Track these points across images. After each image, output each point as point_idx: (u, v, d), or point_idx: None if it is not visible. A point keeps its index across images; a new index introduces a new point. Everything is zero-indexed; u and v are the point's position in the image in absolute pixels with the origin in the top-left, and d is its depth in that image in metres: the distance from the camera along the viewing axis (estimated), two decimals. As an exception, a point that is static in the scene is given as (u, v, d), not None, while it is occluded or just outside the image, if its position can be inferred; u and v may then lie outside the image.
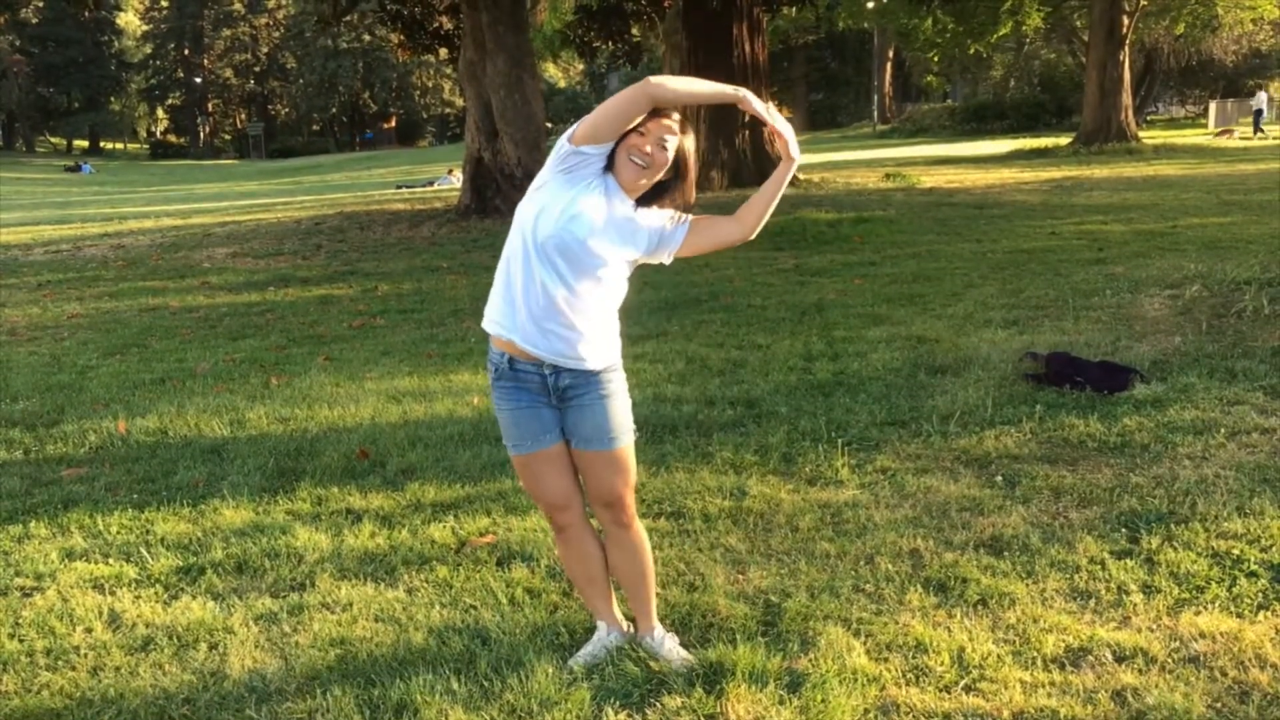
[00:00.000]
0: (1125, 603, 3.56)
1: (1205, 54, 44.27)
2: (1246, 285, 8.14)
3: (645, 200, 3.03)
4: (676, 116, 2.97)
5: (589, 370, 3.05)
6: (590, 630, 3.46)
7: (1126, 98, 32.80)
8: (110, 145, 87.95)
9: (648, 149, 2.92)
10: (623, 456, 3.16)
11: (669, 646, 3.32)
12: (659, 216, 3.06)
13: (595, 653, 3.33)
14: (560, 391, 3.07)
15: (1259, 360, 6.32)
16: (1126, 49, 32.57)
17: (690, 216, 3.11)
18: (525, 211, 2.98)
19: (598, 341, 3.04)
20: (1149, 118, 49.33)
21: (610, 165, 2.98)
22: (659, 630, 3.37)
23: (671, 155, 2.95)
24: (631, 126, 2.90)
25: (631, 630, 3.42)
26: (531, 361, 3.04)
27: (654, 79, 2.85)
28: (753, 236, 3.08)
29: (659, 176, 2.97)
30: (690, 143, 3.00)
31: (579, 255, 2.92)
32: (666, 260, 3.14)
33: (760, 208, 3.06)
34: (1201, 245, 11.34)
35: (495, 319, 3.08)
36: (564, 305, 2.95)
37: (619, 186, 2.98)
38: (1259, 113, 38.11)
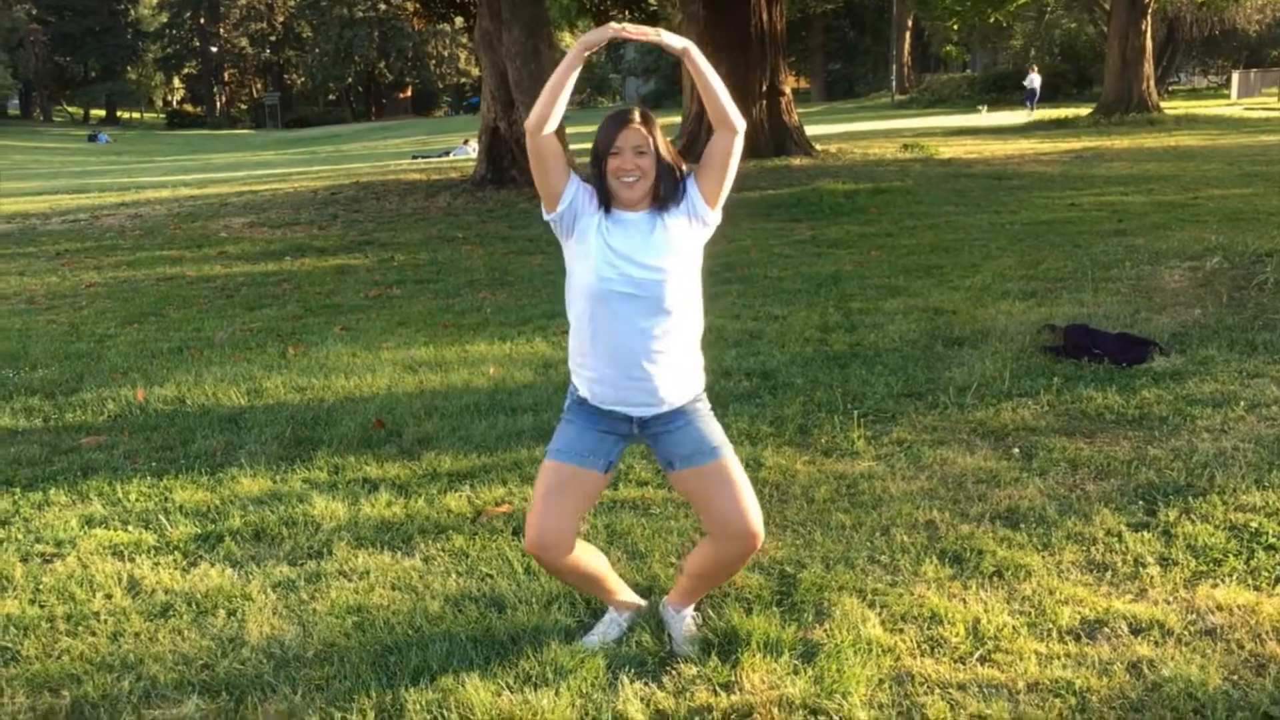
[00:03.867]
0: (1142, 575, 3.55)
1: (1228, 23, 43.73)
2: (1267, 257, 8.08)
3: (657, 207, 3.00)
4: (636, 116, 2.95)
5: (675, 410, 3.03)
6: (604, 603, 3.47)
7: (1148, 68, 32.43)
8: (127, 115, 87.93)
9: (630, 165, 2.91)
10: (731, 467, 3.01)
11: (687, 624, 3.30)
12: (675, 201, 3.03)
13: (608, 630, 3.32)
14: (644, 425, 3.04)
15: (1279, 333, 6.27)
16: (1149, 18, 32.16)
17: (689, 171, 3.06)
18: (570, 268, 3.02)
19: (682, 379, 3.02)
20: (1170, 88, 48.80)
21: (607, 201, 2.97)
22: (690, 609, 3.34)
23: (653, 153, 2.92)
24: (607, 151, 2.91)
25: (643, 605, 3.41)
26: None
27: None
28: (740, 125, 2.96)
29: (653, 178, 2.94)
30: (658, 132, 2.95)
31: (643, 288, 2.90)
32: (712, 216, 3.03)
33: (712, 105, 2.95)
34: (1223, 217, 11.24)
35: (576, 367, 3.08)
36: (644, 350, 2.93)
37: (625, 210, 2.96)
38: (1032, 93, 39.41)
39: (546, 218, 3.02)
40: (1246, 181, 14.79)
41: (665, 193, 2.96)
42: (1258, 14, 42.84)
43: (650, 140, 2.92)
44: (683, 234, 2.98)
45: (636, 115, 2.95)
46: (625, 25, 2.88)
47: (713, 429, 3.07)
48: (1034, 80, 41.16)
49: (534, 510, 3.04)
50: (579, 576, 3.20)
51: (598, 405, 3.04)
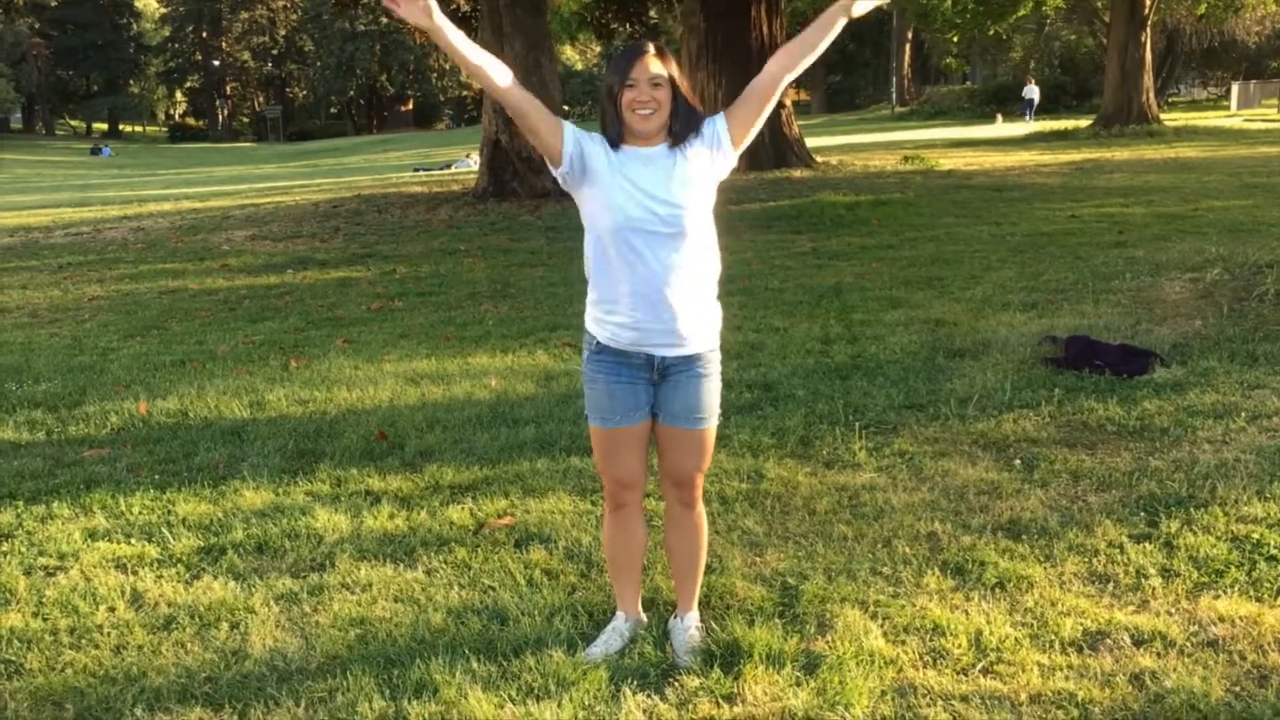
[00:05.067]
0: (1144, 586, 3.56)
1: (1228, 35, 43.78)
2: (1268, 268, 8.08)
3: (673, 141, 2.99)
4: (650, 47, 2.94)
5: (694, 354, 3.07)
6: (607, 614, 3.48)
7: (1148, 79, 32.49)
8: (129, 128, 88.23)
9: (645, 97, 2.90)
10: (705, 438, 3.17)
11: (690, 634, 3.31)
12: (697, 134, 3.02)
13: (610, 641, 3.32)
14: (664, 369, 3.07)
15: (1280, 344, 6.28)
16: (1148, 30, 32.23)
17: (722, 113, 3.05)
18: (587, 212, 3.02)
19: (703, 321, 3.06)
20: (1170, 99, 48.87)
21: (620, 136, 2.96)
22: (692, 616, 3.38)
23: (664, 88, 2.92)
24: (622, 83, 2.90)
25: (646, 621, 3.43)
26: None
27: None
28: (791, 76, 2.98)
29: (668, 111, 2.94)
30: (674, 65, 2.96)
31: (668, 222, 2.92)
32: (734, 154, 3.02)
33: (807, 45, 2.96)
34: (1223, 228, 11.25)
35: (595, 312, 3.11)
36: (671, 284, 2.96)
37: (639, 144, 2.96)
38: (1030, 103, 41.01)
39: (556, 173, 3.00)
40: (1247, 193, 14.81)
41: (680, 128, 2.96)
42: (1257, 26, 42.90)
43: (666, 72, 2.92)
44: (703, 168, 2.97)
45: (651, 47, 2.94)
46: None
47: (709, 395, 3.13)
48: (1032, 91, 42.13)
49: (605, 466, 3.22)
50: (629, 550, 3.32)
51: (620, 349, 3.05)
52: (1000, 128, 36.95)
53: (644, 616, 3.43)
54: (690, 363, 3.07)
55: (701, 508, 3.32)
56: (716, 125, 3.00)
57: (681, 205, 2.92)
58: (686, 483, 3.23)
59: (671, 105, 2.93)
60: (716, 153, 2.99)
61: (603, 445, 3.18)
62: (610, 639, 3.33)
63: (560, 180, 3.01)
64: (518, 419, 5.69)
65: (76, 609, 3.74)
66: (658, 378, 3.09)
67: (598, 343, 3.10)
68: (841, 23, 2.96)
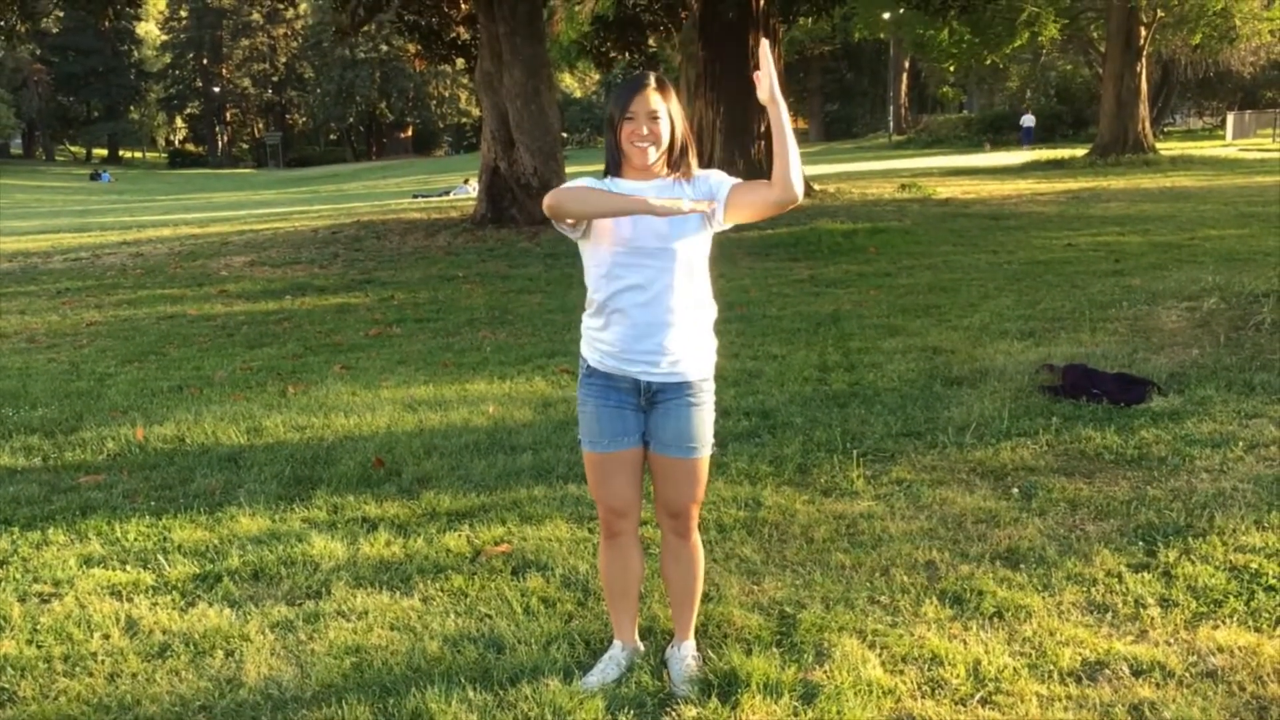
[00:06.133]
0: (1142, 616, 3.54)
1: (1223, 65, 44.04)
2: (1264, 297, 8.09)
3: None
4: (651, 80, 2.97)
5: (683, 381, 3.07)
6: (604, 642, 3.46)
7: (1143, 109, 32.69)
8: (129, 154, 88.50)
9: (644, 130, 2.94)
10: (697, 468, 3.16)
11: (687, 663, 3.30)
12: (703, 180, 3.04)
13: (607, 670, 3.31)
14: (651, 395, 3.08)
15: (1277, 373, 6.28)
16: (1144, 60, 32.46)
17: (735, 179, 3.06)
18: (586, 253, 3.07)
19: (692, 349, 3.06)
20: (1166, 129, 49.13)
21: (617, 166, 3.01)
22: (688, 645, 3.37)
23: (665, 119, 2.95)
24: (622, 116, 2.94)
25: (643, 650, 3.41)
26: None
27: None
28: (798, 196, 2.89)
29: (665, 145, 2.97)
30: (674, 99, 2.99)
31: (662, 243, 2.95)
32: (720, 221, 3.00)
33: (780, 163, 2.87)
34: (1219, 257, 11.29)
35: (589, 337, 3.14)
36: (660, 308, 2.98)
37: (638, 178, 2.99)
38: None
39: (570, 234, 3.03)
40: (1243, 222, 14.87)
41: (678, 162, 2.99)
42: (1252, 56, 43.15)
43: (665, 105, 2.95)
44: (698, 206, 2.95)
45: (652, 80, 2.97)
46: (693, 203, 2.86)
47: (701, 424, 3.11)
48: (1028, 120, 43.34)
49: (598, 493, 3.23)
50: (625, 579, 3.30)
51: (607, 373, 3.08)
52: (993, 156, 37.16)
53: (640, 645, 3.42)
54: (680, 390, 3.07)
55: (697, 538, 3.31)
56: (721, 191, 2.99)
57: (672, 234, 2.95)
58: (681, 513, 3.22)
59: (670, 138, 2.98)
60: (712, 218, 3.00)
61: (594, 471, 3.20)
62: (607, 668, 3.31)
63: (570, 234, 3.03)
64: (515, 446, 5.68)
65: (71, 636, 3.72)
66: (646, 403, 3.10)
67: (588, 366, 3.14)
68: (784, 118, 2.86)
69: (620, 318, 3.01)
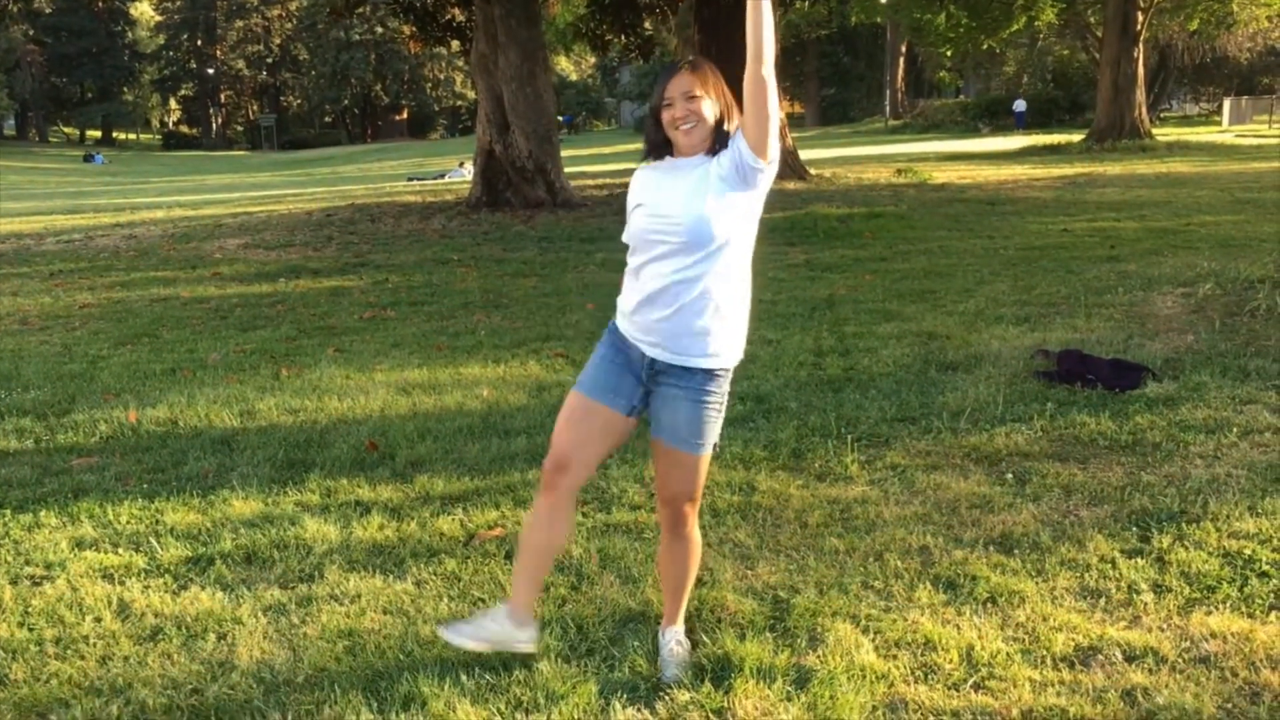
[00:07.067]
0: (1136, 602, 3.55)
1: (1220, 51, 44.06)
2: (1260, 284, 8.10)
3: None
4: (685, 65, 2.98)
5: (687, 368, 3.05)
6: (598, 626, 3.46)
7: (1140, 94, 32.68)
8: (123, 136, 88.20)
9: (682, 113, 2.94)
10: (691, 462, 3.10)
11: (672, 648, 3.28)
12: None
13: (480, 629, 3.09)
14: (654, 374, 3.06)
15: (1272, 359, 6.29)
16: (1140, 45, 32.42)
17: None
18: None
19: (704, 334, 3.02)
20: (1162, 115, 49.13)
21: (665, 148, 3.03)
22: (674, 630, 3.34)
23: (703, 100, 2.94)
24: (661, 104, 2.97)
25: (533, 635, 3.16)
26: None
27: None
28: (767, 70, 2.82)
29: (711, 123, 2.96)
30: (711, 78, 2.98)
31: (673, 236, 2.94)
32: (761, 163, 2.90)
33: (752, 41, 2.84)
34: (1215, 243, 11.29)
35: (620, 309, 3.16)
36: (675, 292, 2.96)
37: (683, 156, 3.00)
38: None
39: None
40: (1238, 208, 14.87)
41: (719, 138, 2.98)
42: (1249, 42, 43.16)
43: (700, 84, 2.95)
44: (728, 182, 2.92)
45: (685, 65, 2.99)
46: None
47: (702, 421, 3.08)
48: (1020, 105, 44.82)
49: (556, 433, 3.09)
50: (546, 539, 3.08)
51: (624, 334, 3.09)
52: (989, 141, 37.14)
53: (533, 628, 3.16)
54: (686, 377, 3.03)
55: (694, 534, 3.24)
56: (737, 142, 2.95)
57: (684, 221, 2.90)
58: (671, 503, 3.18)
59: (713, 115, 2.96)
60: (742, 167, 2.91)
61: (564, 411, 3.11)
62: (479, 627, 3.10)
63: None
64: (509, 430, 5.67)
65: (62, 619, 3.71)
66: (647, 378, 3.07)
67: (614, 321, 3.16)
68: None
69: (636, 285, 3.03)
